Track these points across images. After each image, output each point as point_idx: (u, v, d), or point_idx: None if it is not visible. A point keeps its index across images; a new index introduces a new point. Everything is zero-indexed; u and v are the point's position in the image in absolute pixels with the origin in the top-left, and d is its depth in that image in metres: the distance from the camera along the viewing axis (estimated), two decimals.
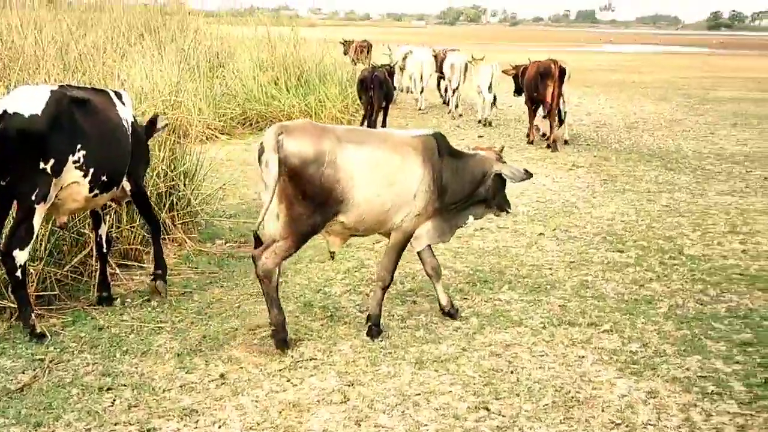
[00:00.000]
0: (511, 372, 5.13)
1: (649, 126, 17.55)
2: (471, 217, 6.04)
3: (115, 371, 5.00)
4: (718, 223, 9.08)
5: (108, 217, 6.54)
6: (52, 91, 5.22)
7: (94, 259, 6.38)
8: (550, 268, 7.30)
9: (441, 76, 20.26)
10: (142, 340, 5.50)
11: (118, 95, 6.00)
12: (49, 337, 5.40)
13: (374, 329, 5.66)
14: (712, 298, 6.60)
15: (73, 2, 16.43)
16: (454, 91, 18.49)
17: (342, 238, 5.60)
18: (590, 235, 8.44)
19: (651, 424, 4.50)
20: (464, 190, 5.77)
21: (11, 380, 4.84)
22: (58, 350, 5.27)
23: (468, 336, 5.70)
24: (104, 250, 6.16)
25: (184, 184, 7.69)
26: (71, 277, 6.36)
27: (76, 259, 6.42)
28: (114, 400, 4.64)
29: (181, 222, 7.56)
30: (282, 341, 5.36)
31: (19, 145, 5.02)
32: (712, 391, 4.92)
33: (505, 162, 5.99)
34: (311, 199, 5.03)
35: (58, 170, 5.19)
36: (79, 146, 5.30)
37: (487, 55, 17.99)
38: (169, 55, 12.65)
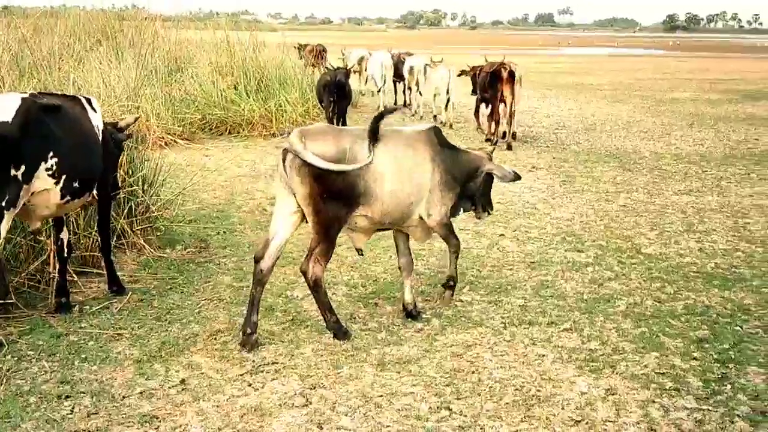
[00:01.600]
0: (473, 372, 5.16)
1: (607, 127, 17.75)
2: (461, 210, 6.22)
3: (73, 379, 4.94)
4: (675, 222, 9.21)
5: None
6: (23, 99, 5.17)
7: (51, 266, 6.30)
8: (511, 269, 7.36)
9: (396, 80, 20.51)
10: (101, 347, 5.44)
11: (89, 101, 5.98)
12: (6, 346, 5.32)
13: (453, 285, 6.29)
14: (670, 295, 6.69)
15: (27, 9, 16.25)
16: (412, 92, 18.85)
17: (367, 233, 5.79)
18: (550, 236, 8.52)
19: (610, 421, 4.56)
20: (459, 181, 5.95)
21: None
22: (16, 359, 5.19)
23: (430, 337, 5.72)
24: (65, 255, 6.09)
25: (143, 190, 7.61)
26: (28, 284, 6.28)
27: (32, 267, 6.34)
28: (73, 408, 4.59)
29: (139, 228, 7.48)
30: (344, 334, 5.65)
31: None
32: (670, 387, 4.99)
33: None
34: (337, 197, 5.27)
35: (28, 177, 5.15)
36: (51, 153, 5.28)
37: (446, 59, 18.15)
38: (126, 61, 12.52)
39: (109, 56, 12.61)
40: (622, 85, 29.84)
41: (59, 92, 6.62)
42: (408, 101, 20.72)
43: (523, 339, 5.71)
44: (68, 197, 5.56)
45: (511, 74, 14.15)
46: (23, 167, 5.08)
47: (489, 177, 6.17)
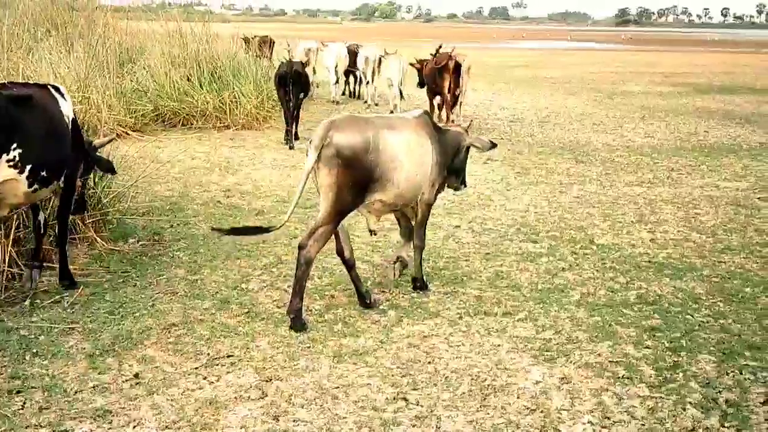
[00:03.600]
0: (429, 362, 5.18)
1: (560, 120, 17.91)
2: (446, 186, 6.60)
3: (24, 374, 4.85)
4: (627, 213, 9.33)
5: (15, 216, 6.38)
6: None
7: (1, 260, 6.18)
8: (467, 260, 7.39)
9: (350, 71, 20.66)
10: (53, 341, 5.34)
11: (58, 90, 6.03)
12: None
13: (423, 285, 6.48)
14: (622, 285, 6.78)
15: None
16: (368, 83, 19.13)
17: (379, 215, 6.14)
18: (505, 227, 8.57)
19: (565, 409, 4.60)
20: (447, 160, 6.37)
21: None
22: None
23: (386, 328, 5.72)
24: (41, 232, 6.19)
25: (94, 182, 7.50)
26: None
27: None
28: (24, 403, 4.50)
29: (91, 220, 7.35)
30: (302, 326, 5.66)
31: None
32: (623, 375, 5.05)
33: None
34: (358, 184, 5.61)
35: None
36: (14, 145, 5.33)
37: (402, 52, 18.29)
38: (77, 51, 12.31)
39: (59, 47, 12.40)
40: (575, 79, 30.13)
41: (27, 81, 6.66)
42: (358, 93, 21.00)
43: (479, 329, 5.74)
44: (36, 186, 5.62)
45: (457, 65, 15.01)
46: None
47: (466, 150, 6.58)
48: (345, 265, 6.08)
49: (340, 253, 5.98)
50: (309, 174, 5.58)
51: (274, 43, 22.86)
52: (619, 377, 5.02)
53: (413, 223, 6.41)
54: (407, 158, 5.82)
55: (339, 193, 5.55)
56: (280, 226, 5.80)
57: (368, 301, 6.09)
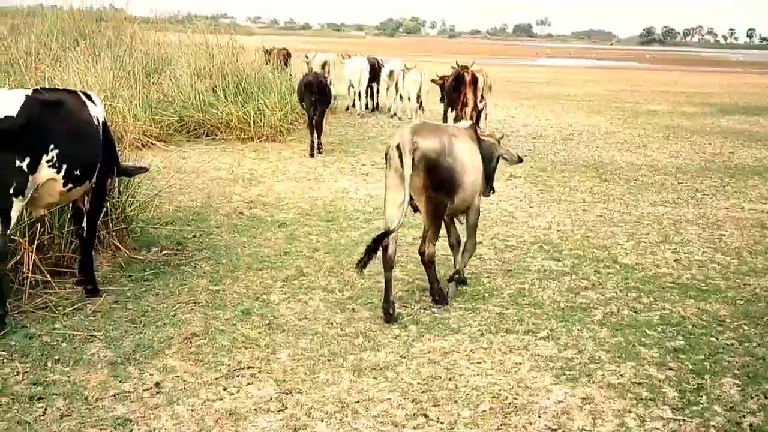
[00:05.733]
0: (450, 379, 5.15)
1: (584, 138, 17.84)
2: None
3: (46, 380, 4.87)
4: (651, 232, 9.26)
5: (39, 224, 6.44)
6: (27, 96, 5.52)
7: (24, 266, 6.22)
8: (488, 277, 7.35)
9: (371, 84, 20.86)
10: (75, 348, 5.37)
11: (88, 96, 6.29)
12: None
13: (459, 278, 6.87)
14: (646, 305, 6.72)
15: (4, 7, 16.13)
16: (397, 94, 19.43)
17: None
18: (527, 244, 8.53)
19: (586, 430, 4.56)
20: (487, 168, 6.78)
21: None
22: None
23: (407, 343, 5.70)
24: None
25: (119, 191, 7.54)
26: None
27: (6, 267, 6.23)
28: (45, 410, 4.52)
29: (115, 229, 7.40)
30: (445, 302, 6.46)
31: None
32: (646, 397, 5.00)
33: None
34: (441, 186, 6.05)
35: (33, 168, 5.47)
36: (52, 146, 5.59)
37: (425, 68, 18.52)
38: (104, 61, 12.42)
39: (86, 56, 12.51)
40: (599, 97, 30.03)
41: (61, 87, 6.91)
42: (376, 105, 21.30)
43: (500, 346, 5.70)
44: (71, 185, 5.87)
45: (474, 77, 15.42)
46: (28, 159, 5.40)
47: (497, 160, 7.03)
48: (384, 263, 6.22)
49: (385, 248, 6.13)
50: (408, 179, 5.86)
51: (290, 55, 23.11)
52: (641, 399, 4.97)
53: (458, 227, 6.93)
54: (470, 165, 6.27)
55: (429, 195, 6.02)
56: (395, 229, 6.00)
57: (391, 312, 6.09)
